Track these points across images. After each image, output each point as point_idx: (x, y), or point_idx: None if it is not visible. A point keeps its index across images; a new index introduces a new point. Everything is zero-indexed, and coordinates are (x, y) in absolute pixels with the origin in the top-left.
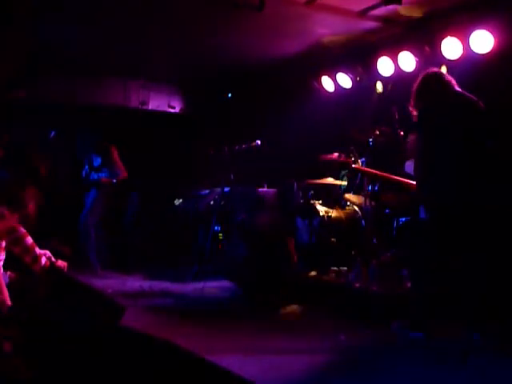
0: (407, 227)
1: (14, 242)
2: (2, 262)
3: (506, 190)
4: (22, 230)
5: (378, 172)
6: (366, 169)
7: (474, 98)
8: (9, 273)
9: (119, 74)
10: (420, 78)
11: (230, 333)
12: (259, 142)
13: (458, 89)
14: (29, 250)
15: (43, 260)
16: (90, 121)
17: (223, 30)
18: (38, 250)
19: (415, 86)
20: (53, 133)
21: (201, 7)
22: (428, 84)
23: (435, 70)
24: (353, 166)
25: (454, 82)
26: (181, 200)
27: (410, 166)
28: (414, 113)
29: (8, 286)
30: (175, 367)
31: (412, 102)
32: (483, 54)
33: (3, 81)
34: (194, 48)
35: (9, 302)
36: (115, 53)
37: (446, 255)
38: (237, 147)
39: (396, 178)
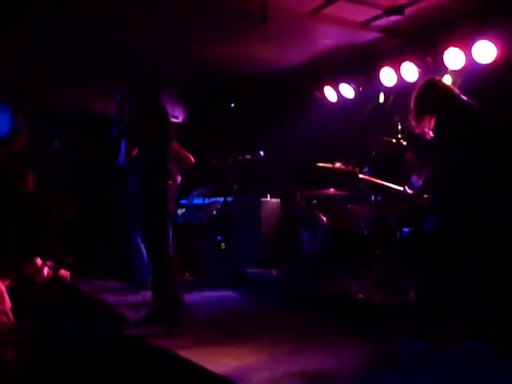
0: (412, 237)
1: None
2: None
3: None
4: None
5: (383, 182)
6: (372, 179)
7: (477, 105)
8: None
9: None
10: (420, 88)
11: (232, 344)
12: (262, 153)
13: (462, 96)
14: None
15: (45, 271)
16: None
17: (227, 41)
18: (39, 262)
19: (416, 95)
20: (56, 143)
21: (204, 18)
22: (431, 92)
23: (432, 78)
24: (360, 175)
25: (452, 87)
26: (184, 210)
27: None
28: (415, 124)
29: (10, 295)
30: (176, 376)
31: (414, 113)
32: (486, 65)
33: (8, 87)
34: (197, 59)
35: (11, 314)
36: (118, 62)
37: (450, 265)
38: (240, 157)
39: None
